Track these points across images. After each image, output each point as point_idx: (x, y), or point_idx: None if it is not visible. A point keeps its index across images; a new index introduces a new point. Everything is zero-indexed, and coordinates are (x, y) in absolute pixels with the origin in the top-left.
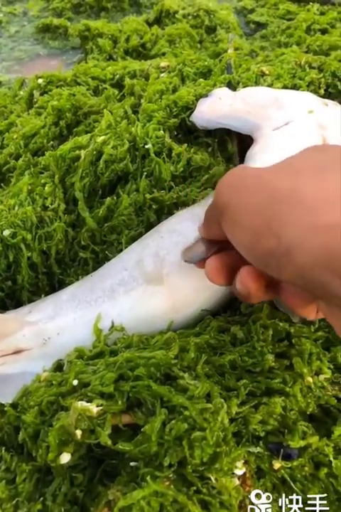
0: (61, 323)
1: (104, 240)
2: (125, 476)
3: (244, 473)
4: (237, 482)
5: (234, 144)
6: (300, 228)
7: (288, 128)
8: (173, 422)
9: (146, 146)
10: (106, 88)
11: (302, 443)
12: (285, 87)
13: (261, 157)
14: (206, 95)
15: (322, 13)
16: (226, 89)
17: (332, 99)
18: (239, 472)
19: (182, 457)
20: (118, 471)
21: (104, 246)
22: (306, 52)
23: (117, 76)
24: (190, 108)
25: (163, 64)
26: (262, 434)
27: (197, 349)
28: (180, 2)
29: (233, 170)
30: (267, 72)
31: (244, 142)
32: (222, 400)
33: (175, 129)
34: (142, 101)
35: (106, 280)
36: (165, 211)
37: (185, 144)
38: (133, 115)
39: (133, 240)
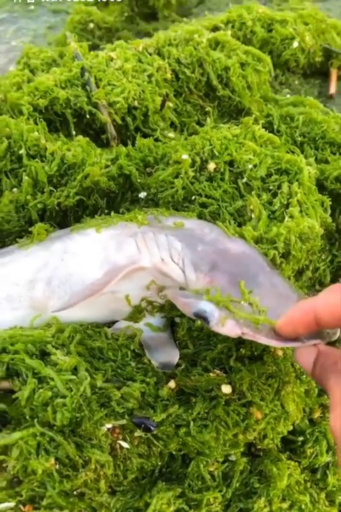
0: None
1: None
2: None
3: (113, 426)
4: (105, 430)
5: (111, 129)
6: None
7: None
8: (41, 390)
9: None
10: None
11: (164, 415)
12: (133, 69)
13: None
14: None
15: None
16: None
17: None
18: (108, 425)
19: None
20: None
21: None
22: None
23: None
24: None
25: None
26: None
27: (73, 330)
28: None
29: None
30: (114, 56)
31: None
32: (86, 374)
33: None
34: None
35: None
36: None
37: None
38: None
39: None
